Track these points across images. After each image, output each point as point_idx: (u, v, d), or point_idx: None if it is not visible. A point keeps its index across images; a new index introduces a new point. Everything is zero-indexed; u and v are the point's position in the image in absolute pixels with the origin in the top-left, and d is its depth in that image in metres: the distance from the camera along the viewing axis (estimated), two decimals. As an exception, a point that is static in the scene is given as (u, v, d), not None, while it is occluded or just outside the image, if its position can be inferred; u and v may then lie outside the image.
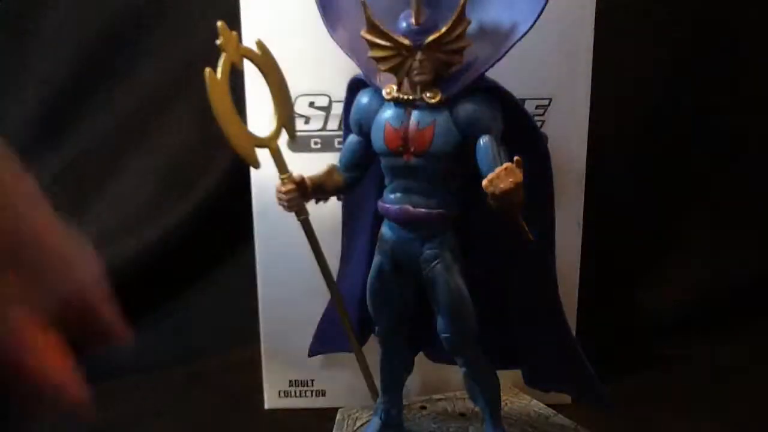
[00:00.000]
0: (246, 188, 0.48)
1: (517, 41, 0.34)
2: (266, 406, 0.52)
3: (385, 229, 0.38)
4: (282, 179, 0.38)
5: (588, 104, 0.46)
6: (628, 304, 0.63)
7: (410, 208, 0.37)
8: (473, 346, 0.39)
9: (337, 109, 0.46)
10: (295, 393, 0.51)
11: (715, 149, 0.63)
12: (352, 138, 0.39)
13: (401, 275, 0.38)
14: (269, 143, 0.38)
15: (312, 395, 0.51)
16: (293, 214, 0.39)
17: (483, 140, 0.35)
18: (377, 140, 0.37)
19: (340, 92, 0.46)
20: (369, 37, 0.35)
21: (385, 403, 0.42)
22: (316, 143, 0.47)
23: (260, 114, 0.46)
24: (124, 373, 0.57)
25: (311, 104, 0.46)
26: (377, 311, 0.40)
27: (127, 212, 0.59)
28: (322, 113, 0.46)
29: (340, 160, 0.40)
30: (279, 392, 0.51)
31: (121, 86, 0.59)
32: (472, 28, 0.35)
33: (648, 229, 0.64)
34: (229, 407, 0.52)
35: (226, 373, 0.57)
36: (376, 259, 0.39)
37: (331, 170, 0.39)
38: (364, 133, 0.38)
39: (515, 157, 0.33)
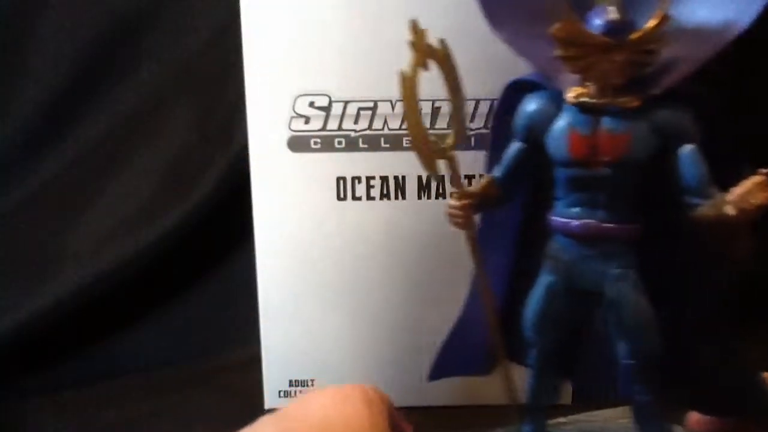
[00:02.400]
0: (246, 188, 0.48)
1: (731, 40, 0.31)
2: (266, 406, 0.51)
3: (556, 246, 0.35)
4: (456, 194, 0.36)
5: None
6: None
7: (596, 222, 0.34)
8: (655, 373, 0.36)
9: (338, 109, 0.46)
10: (295, 393, 0.51)
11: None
12: (517, 146, 0.36)
13: (575, 295, 0.35)
14: (448, 153, 0.36)
15: (312, 395, 0.51)
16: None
17: (689, 149, 0.32)
18: (558, 148, 0.33)
19: (340, 92, 0.46)
20: (562, 34, 0.32)
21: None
22: (315, 143, 0.47)
23: (261, 114, 0.46)
24: (124, 373, 0.57)
25: (311, 104, 0.46)
26: (540, 334, 0.37)
27: (127, 212, 0.59)
28: (322, 113, 0.46)
29: (500, 171, 0.36)
30: (279, 392, 0.51)
31: (121, 86, 0.59)
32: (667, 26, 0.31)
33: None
34: (229, 407, 0.52)
35: (226, 373, 0.57)
36: (545, 278, 0.36)
37: (490, 182, 0.36)
38: (534, 141, 0.35)
39: (763, 170, 0.30)
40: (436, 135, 0.36)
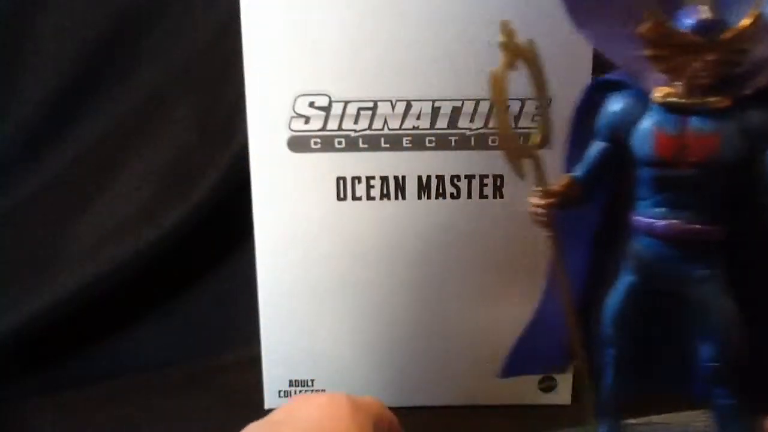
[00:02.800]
0: (246, 188, 0.48)
1: None
2: (266, 406, 0.51)
3: (638, 246, 0.35)
4: (539, 193, 0.36)
5: (588, 104, 0.46)
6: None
7: (681, 223, 0.33)
8: (738, 376, 0.36)
9: (338, 109, 0.46)
10: (295, 393, 0.51)
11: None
12: (600, 146, 0.36)
13: (655, 296, 0.35)
14: (534, 152, 0.36)
15: (312, 395, 0.51)
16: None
17: None
18: (644, 148, 0.33)
19: (340, 92, 0.46)
20: (652, 34, 0.32)
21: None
22: (315, 143, 0.47)
23: (261, 114, 0.46)
24: (124, 373, 0.57)
25: (311, 104, 0.46)
26: (618, 333, 0.37)
27: (127, 212, 0.59)
28: (322, 113, 0.46)
29: (581, 170, 0.37)
30: (279, 392, 0.51)
31: (121, 86, 0.59)
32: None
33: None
34: (229, 407, 0.52)
35: (226, 373, 0.57)
36: (626, 278, 0.36)
37: (570, 181, 0.36)
38: (617, 141, 0.35)
39: None
40: (522, 134, 0.37)
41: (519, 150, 0.36)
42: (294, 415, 0.31)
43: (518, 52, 0.34)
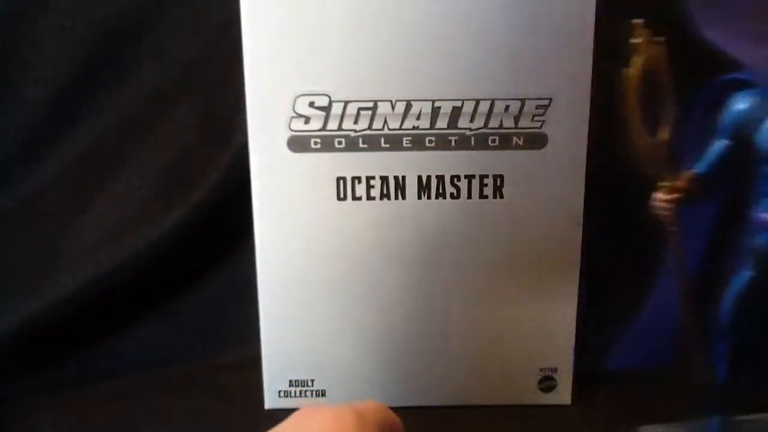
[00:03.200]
0: (246, 188, 0.48)
1: None
2: (266, 406, 0.52)
3: (760, 242, 0.36)
4: (666, 188, 0.37)
5: (588, 104, 0.46)
6: (629, 304, 0.63)
7: None
8: None
9: (338, 109, 0.46)
10: (295, 393, 0.51)
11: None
12: (724, 143, 0.37)
13: None
14: (660, 149, 0.38)
15: (312, 395, 0.51)
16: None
17: None
18: None
19: (340, 92, 0.46)
20: None
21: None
22: (315, 143, 0.47)
23: (261, 114, 0.46)
24: (124, 372, 0.57)
25: (311, 104, 0.46)
26: (734, 329, 0.38)
27: (127, 212, 0.59)
28: (322, 113, 0.46)
29: (703, 166, 0.38)
30: (279, 392, 0.51)
31: (121, 86, 0.59)
32: None
33: (648, 229, 0.64)
34: (229, 407, 0.52)
35: (226, 373, 0.57)
36: (744, 274, 0.37)
37: (693, 177, 0.38)
38: (741, 138, 0.36)
39: None
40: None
41: (649, 148, 0.37)
42: (302, 427, 0.31)
43: (651, 52, 0.36)
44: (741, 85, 0.36)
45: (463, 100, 0.45)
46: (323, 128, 0.46)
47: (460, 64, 0.45)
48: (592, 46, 0.45)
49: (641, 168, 0.37)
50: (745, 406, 0.43)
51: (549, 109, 0.46)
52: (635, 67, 0.35)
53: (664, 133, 0.37)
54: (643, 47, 0.35)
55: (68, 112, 0.59)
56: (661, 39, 0.36)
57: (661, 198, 0.37)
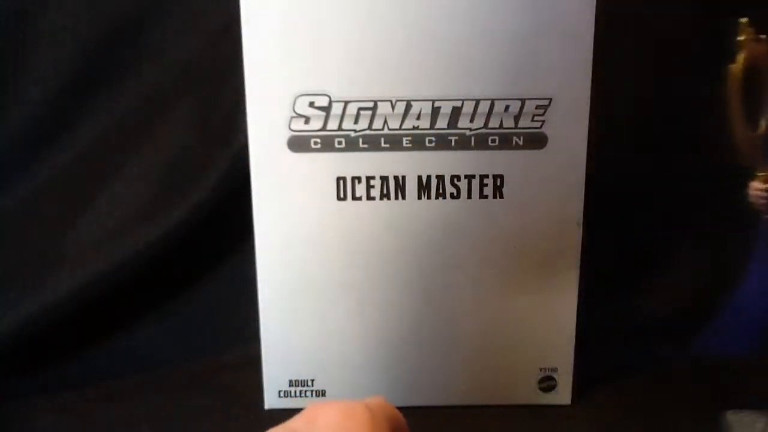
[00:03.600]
0: (246, 188, 0.48)
1: None
2: (266, 406, 0.52)
3: None
4: (762, 177, 0.39)
5: (588, 104, 0.46)
6: (628, 304, 0.63)
7: None
8: None
9: (338, 109, 0.46)
10: (295, 393, 0.51)
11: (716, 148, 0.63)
12: None
13: None
14: (758, 141, 0.39)
15: (312, 395, 0.51)
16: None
17: None
18: None
19: (341, 92, 0.46)
20: None
21: None
22: (315, 143, 0.47)
23: (261, 114, 0.46)
24: (124, 373, 0.57)
25: (311, 104, 0.46)
26: None
27: (127, 212, 0.59)
28: (322, 113, 0.46)
29: None
30: (279, 392, 0.51)
31: (121, 86, 0.59)
32: None
33: (649, 229, 0.64)
34: (229, 407, 0.52)
35: (226, 373, 0.57)
36: None
37: None
38: None
39: None
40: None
41: (749, 140, 0.39)
42: (313, 423, 0.31)
43: (756, 50, 0.37)
44: None
45: (463, 100, 0.46)
46: (323, 128, 0.46)
47: (460, 64, 0.45)
48: (592, 46, 0.45)
49: (740, 159, 0.39)
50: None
51: (549, 109, 0.46)
52: (738, 64, 0.37)
53: (763, 127, 0.39)
54: (746, 44, 0.37)
55: (68, 112, 0.59)
56: (764, 37, 0.38)
57: (757, 187, 0.39)
